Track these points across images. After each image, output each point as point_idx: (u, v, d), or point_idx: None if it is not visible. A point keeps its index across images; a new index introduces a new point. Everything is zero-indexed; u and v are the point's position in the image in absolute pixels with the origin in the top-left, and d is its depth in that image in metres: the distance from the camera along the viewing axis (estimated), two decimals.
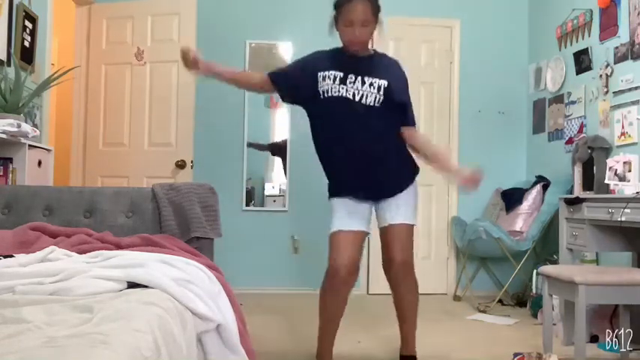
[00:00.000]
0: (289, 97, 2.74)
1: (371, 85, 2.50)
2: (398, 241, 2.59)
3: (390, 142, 2.58)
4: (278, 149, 4.95)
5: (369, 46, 2.61)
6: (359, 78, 2.50)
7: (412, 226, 2.65)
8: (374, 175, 2.57)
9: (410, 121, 2.64)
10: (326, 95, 2.52)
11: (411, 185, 2.66)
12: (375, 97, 2.50)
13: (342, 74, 2.51)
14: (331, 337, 2.68)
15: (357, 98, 2.49)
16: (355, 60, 2.54)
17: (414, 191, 2.67)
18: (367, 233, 2.65)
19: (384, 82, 2.50)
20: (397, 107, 2.57)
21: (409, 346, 2.72)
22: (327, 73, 2.52)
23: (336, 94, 2.50)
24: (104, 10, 4.51)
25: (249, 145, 4.89)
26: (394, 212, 2.61)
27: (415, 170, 2.72)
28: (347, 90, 2.50)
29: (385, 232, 2.63)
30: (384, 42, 2.66)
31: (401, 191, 2.63)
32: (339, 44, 2.60)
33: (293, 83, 2.62)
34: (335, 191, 2.65)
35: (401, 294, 2.67)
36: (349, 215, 2.58)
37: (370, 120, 2.51)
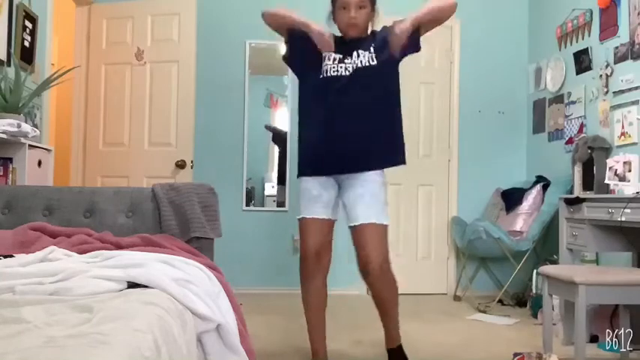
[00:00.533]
0: (294, 58, 2.74)
1: (363, 53, 2.56)
2: (371, 242, 2.51)
3: (387, 108, 2.59)
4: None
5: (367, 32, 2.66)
6: (354, 53, 2.56)
7: (385, 226, 2.55)
8: (347, 143, 2.52)
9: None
10: (325, 75, 2.57)
11: (381, 171, 2.58)
12: (369, 57, 2.55)
13: (341, 55, 2.57)
14: (321, 331, 2.68)
15: (354, 68, 2.54)
16: (349, 42, 2.60)
17: (382, 182, 2.58)
18: (334, 220, 2.66)
19: (372, 45, 2.57)
20: (393, 53, 2.56)
21: (393, 338, 2.70)
22: (327, 54, 2.58)
23: (335, 73, 2.55)
24: (104, 10, 4.52)
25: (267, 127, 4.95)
26: (364, 209, 2.52)
27: (398, 158, 2.64)
28: (345, 67, 2.55)
29: (357, 232, 2.54)
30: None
31: (370, 169, 2.54)
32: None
33: (305, 48, 2.63)
34: (304, 164, 2.64)
35: (379, 293, 2.62)
36: (313, 202, 2.60)
37: (370, 81, 2.54)
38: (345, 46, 2.60)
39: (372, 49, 2.57)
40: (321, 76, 2.58)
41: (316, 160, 2.61)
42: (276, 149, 5.05)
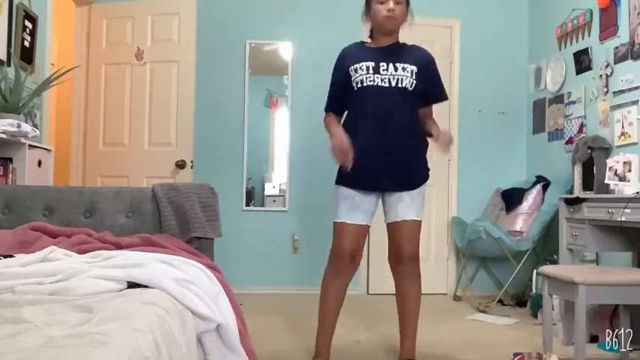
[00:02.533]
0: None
1: (404, 69, 2.57)
2: (409, 235, 2.65)
3: (417, 130, 2.66)
4: None
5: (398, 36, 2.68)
6: (390, 65, 2.57)
7: (421, 221, 2.70)
8: (397, 160, 2.59)
9: (442, 95, 2.76)
10: (360, 85, 2.58)
11: (423, 185, 2.70)
12: (410, 81, 2.57)
13: (373, 64, 2.57)
14: (330, 331, 2.70)
15: (392, 83, 2.56)
16: (383, 50, 2.62)
17: (423, 190, 2.71)
18: (369, 226, 2.68)
19: (414, 68, 2.58)
20: (425, 92, 2.64)
21: (407, 348, 2.71)
22: (357, 65, 2.59)
23: (371, 83, 2.56)
24: (104, 10, 4.52)
25: None
26: (406, 208, 2.63)
27: (428, 170, 2.77)
28: (382, 78, 2.56)
29: (396, 227, 2.66)
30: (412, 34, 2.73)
31: (412, 189, 2.65)
32: (349, 41, 2.69)
33: (341, 97, 2.69)
34: (346, 179, 2.63)
35: (405, 290, 2.68)
36: (354, 208, 2.62)
37: (406, 103, 2.58)
38: (373, 53, 2.61)
39: (413, 72, 2.58)
40: (357, 88, 2.59)
41: (363, 176, 2.60)
42: (276, 150, 5.05)
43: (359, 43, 2.74)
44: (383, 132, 2.56)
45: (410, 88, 2.57)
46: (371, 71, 2.56)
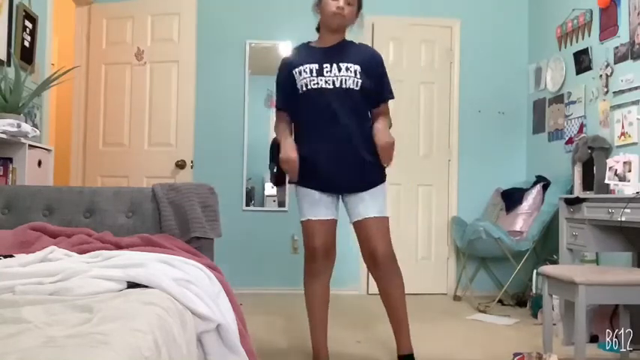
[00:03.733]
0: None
1: (347, 69, 2.54)
2: (376, 232, 2.58)
3: (367, 130, 2.61)
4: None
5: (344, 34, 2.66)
6: (334, 65, 2.55)
7: (387, 217, 2.64)
8: (348, 165, 2.56)
9: (386, 93, 2.67)
10: (305, 89, 2.57)
11: (380, 184, 2.64)
12: (354, 81, 2.54)
13: (317, 65, 2.56)
14: (323, 330, 2.70)
15: (337, 84, 2.54)
16: (327, 50, 2.60)
17: (383, 189, 2.65)
18: (336, 220, 2.68)
19: (357, 67, 2.55)
20: (372, 91, 2.61)
21: (403, 344, 2.70)
22: (301, 67, 2.57)
23: (315, 85, 2.54)
24: (104, 10, 4.52)
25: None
26: (368, 207, 2.59)
27: (384, 169, 2.69)
28: (326, 80, 2.54)
29: (361, 226, 2.61)
30: (362, 36, 2.69)
31: (368, 189, 2.60)
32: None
33: (291, 97, 2.66)
34: (306, 179, 2.62)
35: (387, 289, 2.66)
36: (316, 205, 2.62)
37: (353, 104, 2.56)
38: (317, 54, 2.60)
39: (357, 71, 2.54)
40: (302, 91, 2.58)
41: (318, 180, 2.60)
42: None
43: (305, 44, 2.71)
44: (331, 136, 2.54)
45: (356, 88, 2.54)
46: (314, 74, 2.54)
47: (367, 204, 2.59)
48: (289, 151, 2.57)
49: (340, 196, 2.68)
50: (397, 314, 2.67)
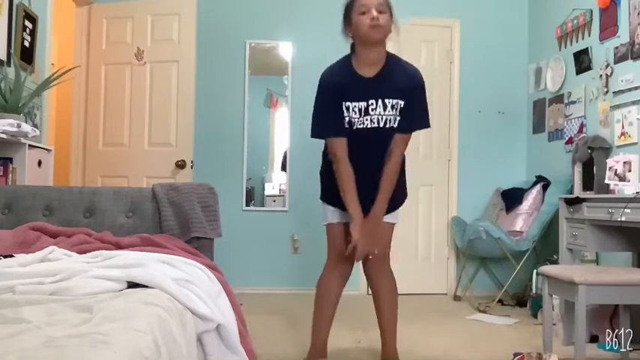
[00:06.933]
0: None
1: (392, 107, 2.48)
2: (382, 235, 2.65)
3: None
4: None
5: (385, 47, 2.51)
6: (379, 102, 2.46)
7: (394, 224, 2.72)
8: (372, 197, 2.56)
9: (415, 125, 2.58)
10: (352, 128, 2.50)
11: (397, 210, 2.71)
12: (395, 119, 2.50)
13: (364, 104, 2.46)
14: (327, 328, 2.72)
15: (381, 124, 2.49)
16: (373, 83, 2.47)
17: (398, 211, 2.74)
18: None
19: (401, 103, 2.47)
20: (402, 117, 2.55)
21: (391, 349, 2.72)
22: (350, 104, 2.47)
23: (361, 125, 2.49)
24: (104, 10, 4.52)
25: None
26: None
27: (405, 196, 2.78)
28: (371, 119, 2.48)
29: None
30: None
31: (396, 209, 2.69)
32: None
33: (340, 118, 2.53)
34: (330, 201, 2.66)
35: (381, 288, 2.71)
36: (340, 214, 2.65)
37: (388, 140, 2.53)
38: (363, 86, 2.47)
39: (400, 107, 2.47)
40: (348, 127, 2.49)
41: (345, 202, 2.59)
42: (276, 150, 5.05)
43: (347, 63, 2.52)
44: (361, 168, 2.52)
45: (395, 125, 2.51)
46: (363, 114, 2.47)
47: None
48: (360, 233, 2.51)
49: None
50: (386, 317, 2.71)
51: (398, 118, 2.49)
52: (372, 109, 2.47)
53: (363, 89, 2.47)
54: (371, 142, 2.51)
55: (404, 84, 2.48)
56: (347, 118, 2.49)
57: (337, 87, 2.47)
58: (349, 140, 2.51)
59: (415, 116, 2.54)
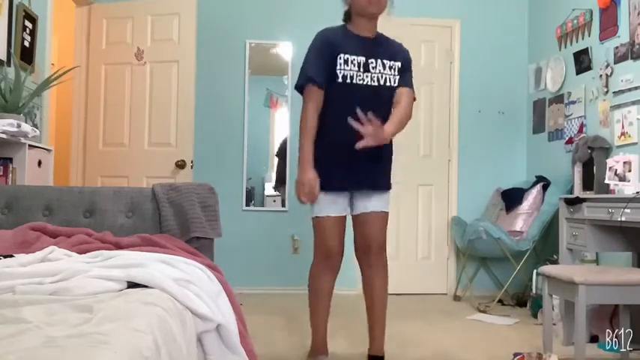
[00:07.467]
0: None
1: (391, 67, 2.57)
2: (378, 225, 2.67)
3: None
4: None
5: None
6: (379, 61, 2.55)
7: (387, 213, 2.71)
8: (366, 164, 2.55)
9: (408, 82, 2.64)
10: (348, 81, 2.51)
11: (388, 191, 2.71)
12: (394, 79, 2.57)
13: (364, 59, 2.53)
14: (325, 324, 2.72)
15: (381, 82, 2.55)
16: (371, 43, 2.58)
17: (388, 195, 2.73)
18: (346, 216, 2.71)
19: (398, 64, 2.59)
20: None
21: (378, 345, 2.71)
22: (348, 56, 2.52)
23: (361, 82, 2.52)
24: (104, 10, 4.52)
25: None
26: (376, 202, 2.66)
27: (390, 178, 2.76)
28: (371, 77, 2.54)
29: (365, 218, 2.67)
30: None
31: (378, 190, 2.65)
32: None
33: (327, 71, 2.54)
34: (326, 183, 2.58)
35: (373, 279, 2.69)
36: (331, 204, 2.61)
37: (387, 101, 2.58)
38: (363, 45, 2.54)
39: (398, 68, 2.58)
40: (344, 82, 2.50)
41: (334, 180, 2.58)
42: (276, 150, 5.05)
43: (342, 27, 2.62)
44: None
45: (394, 85, 2.58)
46: (362, 69, 2.52)
47: (376, 200, 2.65)
48: (312, 179, 2.51)
49: (351, 193, 2.68)
50: (376, 312, 2.70)
51: (397, 77, 2.57)
52: (373, 67, 2.54)
53: (361, 45, 2.56)
54: (371, 103, 2.47)
55: (398, 52, 2.63)
56: (342, 72, 2.50)
57: (331, 42, 2.56)
58: (347, 102, 2.46)
59: (410, 82, 2.65)
